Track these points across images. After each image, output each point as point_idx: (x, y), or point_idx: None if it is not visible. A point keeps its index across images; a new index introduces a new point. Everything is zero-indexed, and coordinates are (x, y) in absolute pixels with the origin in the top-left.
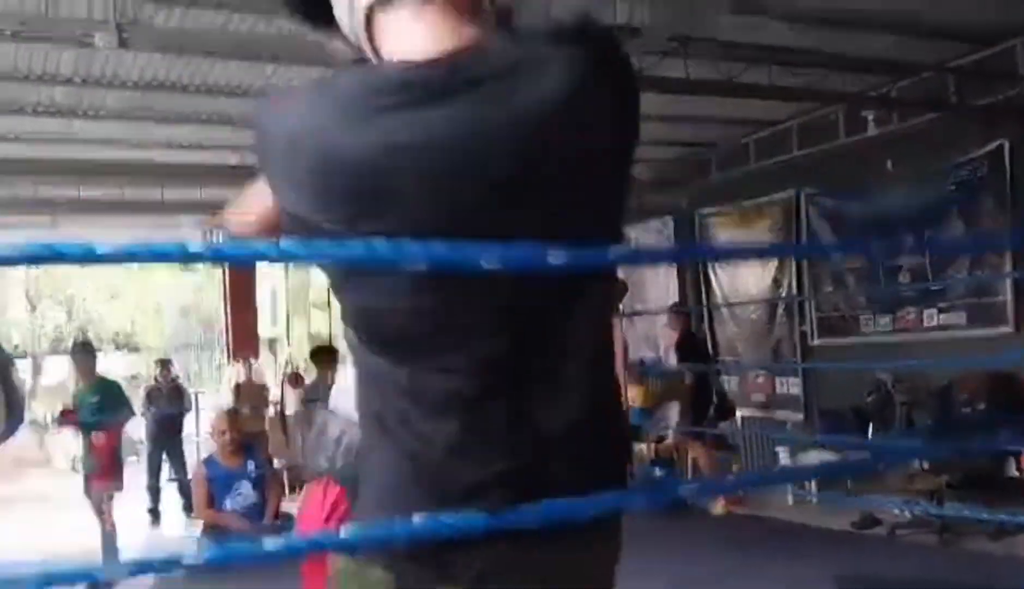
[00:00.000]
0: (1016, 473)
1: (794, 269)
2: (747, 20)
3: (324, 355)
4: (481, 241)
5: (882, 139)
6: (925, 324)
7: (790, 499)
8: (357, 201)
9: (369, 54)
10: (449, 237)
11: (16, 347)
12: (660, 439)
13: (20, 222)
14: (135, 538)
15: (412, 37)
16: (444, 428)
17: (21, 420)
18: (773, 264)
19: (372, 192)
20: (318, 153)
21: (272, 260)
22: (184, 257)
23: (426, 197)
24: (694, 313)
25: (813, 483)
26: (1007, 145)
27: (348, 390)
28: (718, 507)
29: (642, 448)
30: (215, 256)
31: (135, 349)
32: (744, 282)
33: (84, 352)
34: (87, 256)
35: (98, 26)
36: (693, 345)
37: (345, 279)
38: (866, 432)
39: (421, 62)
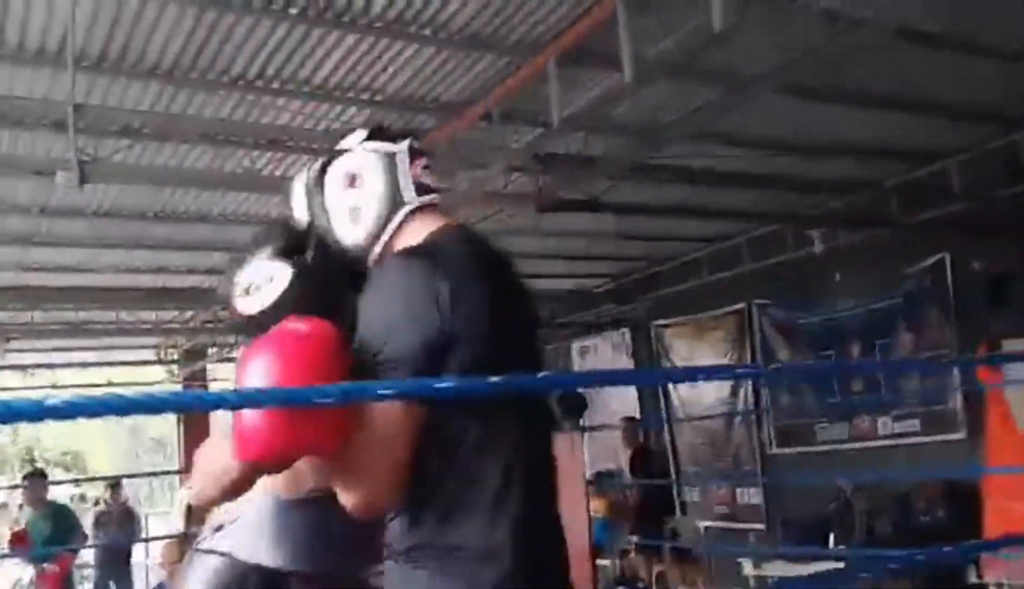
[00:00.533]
0: (976, 579)
1: (750, 381)
2: (702, 147)
3: None
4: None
5: (829, 253)
6: (880, 432)
7: None
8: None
9: (372, 245)
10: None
11: None
12: (624, 553)
13: None
14: None
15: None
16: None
17: None
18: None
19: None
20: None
21: (228, 407)
22: (144, 407)
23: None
24: (654, 423)
25: None
26: (948, 257)
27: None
28: None
29: (606, 564)
30: (177, 404)
31: (81, 471)
32: (702, 391)
33: (36, 480)
34: (42, 412)
35: (59, 164)
36: (646, 459)
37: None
38: (827, 543)
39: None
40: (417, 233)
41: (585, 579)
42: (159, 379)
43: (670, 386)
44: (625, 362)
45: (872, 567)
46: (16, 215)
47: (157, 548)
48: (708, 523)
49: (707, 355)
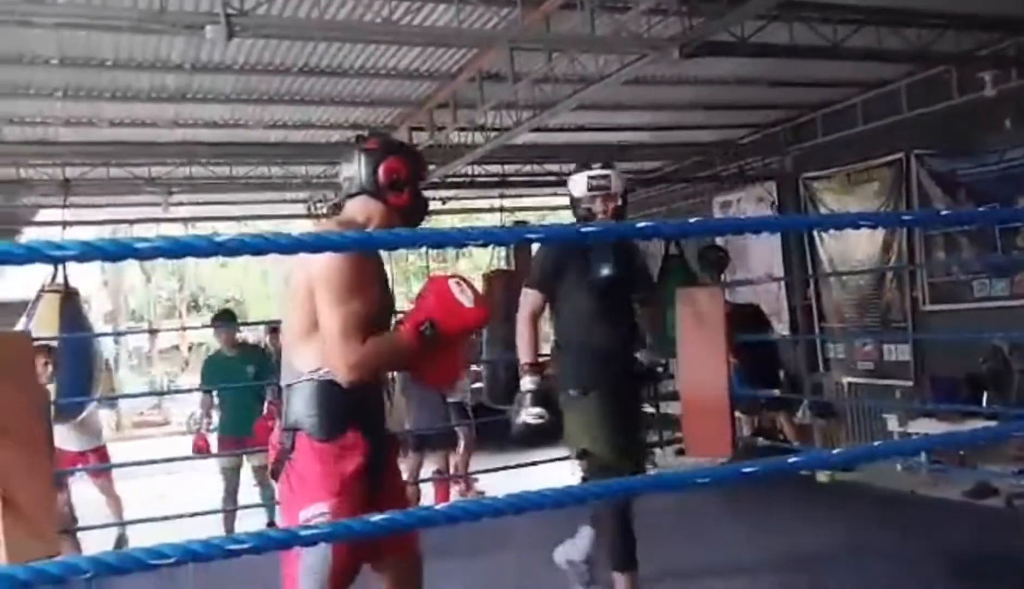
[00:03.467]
0: None
1: (905, 234)
2: None
3: None
4: None
5: (1000, 97)
6: None
7: (899, 467)
8: None
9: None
10: None
11: (133, 313)
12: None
13: (136, 201)
14: None
15: None
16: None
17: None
18: (883, 228)
19: None
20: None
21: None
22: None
23: None
24: (799, 279)
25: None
26: None
27: None
28: (824, 474)
29: (740, 418)
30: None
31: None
32: (852, 247)
33: (227, 321)
34: (211, 249)
35: (208, 19)
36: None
37: None
38: (980, 400)
39: None
40: None
41: (724, 431)
42: None
43: (817, 241)
44: None
45: None
46: (170, 72)
47: None
48: (852, 379)
49: (858, 209)
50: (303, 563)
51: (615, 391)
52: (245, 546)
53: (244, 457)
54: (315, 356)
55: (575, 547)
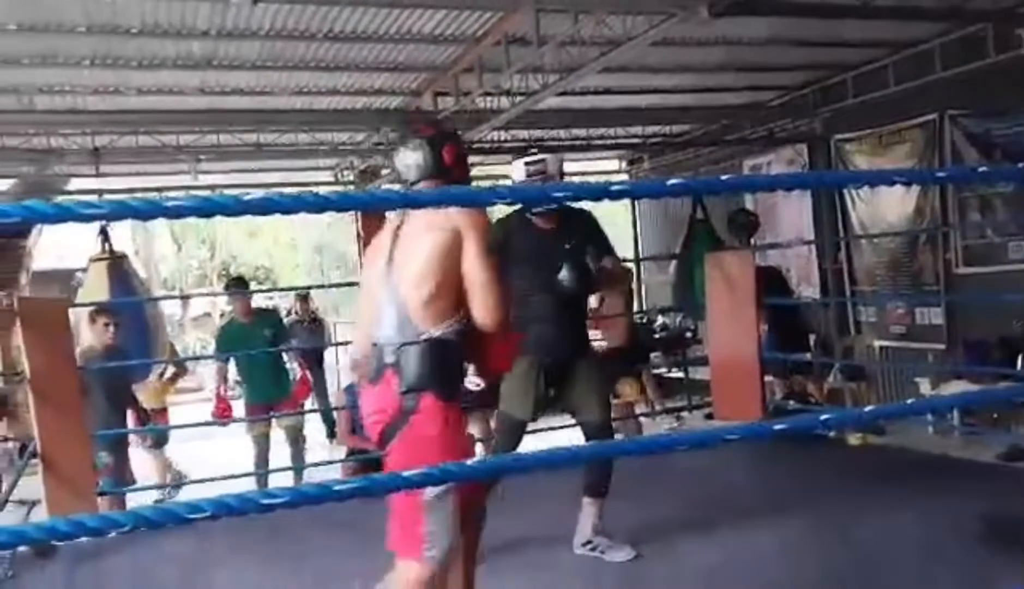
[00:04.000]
0: None
1: (938, 195)
2: None
3: None
4: None
5: None
6: None
7: (931, 430)
8: None
9: None
10: None
11: (164, 281)
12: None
13: (165, 170)
14: None
15: None
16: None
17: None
18: (916, 190)
19: None
20: None
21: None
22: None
23: None
24: (830, 242)
25: (956, 414)
26: None
27: None
28: (855, 437)
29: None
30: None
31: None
32: (884, 209)
33: (240, 289)
34: (239, 208)
35: None
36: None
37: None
38: (1014, 363)
39: None
40: None
41: (754, 394)
42: None
43: (849, 204)
44: None
45: None
46: (196, 39)
47: (344, 352)
48: (884, 343)
49: None
50: (428, 506)
51: (547, 359)
52: (278, 500)
53: (273, 420)
54: (440, 315)
55: (586, 524)
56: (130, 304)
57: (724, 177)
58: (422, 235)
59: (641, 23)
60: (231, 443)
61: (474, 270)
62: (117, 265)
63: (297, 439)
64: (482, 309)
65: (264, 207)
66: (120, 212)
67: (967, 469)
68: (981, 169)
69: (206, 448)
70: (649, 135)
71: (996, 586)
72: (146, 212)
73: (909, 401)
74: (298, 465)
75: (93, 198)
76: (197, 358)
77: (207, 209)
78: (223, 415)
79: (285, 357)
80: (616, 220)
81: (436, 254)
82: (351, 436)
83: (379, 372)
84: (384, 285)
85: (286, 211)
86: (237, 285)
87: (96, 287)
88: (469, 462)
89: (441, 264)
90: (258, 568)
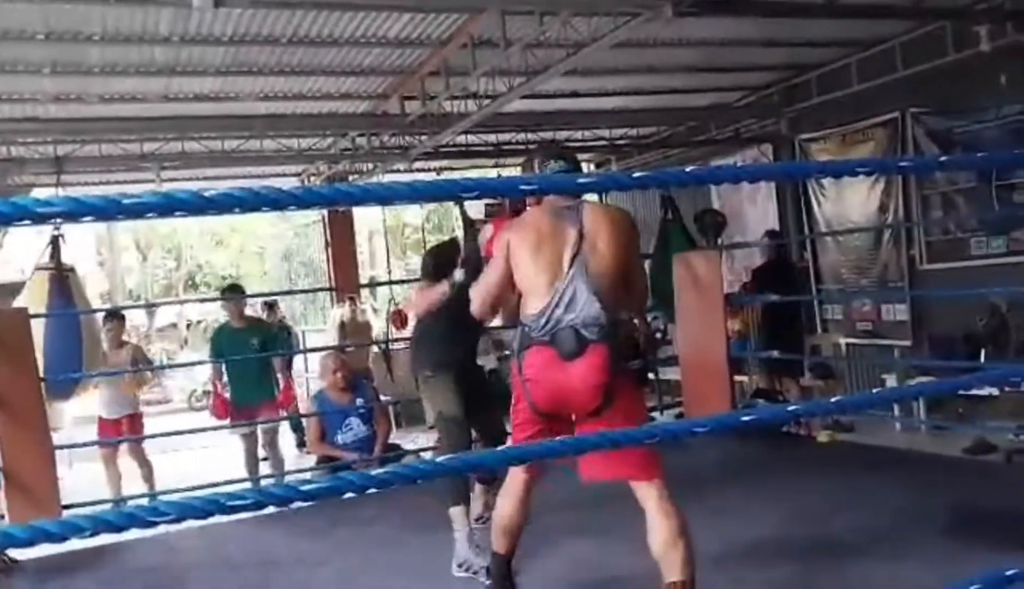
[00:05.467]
0: None
1: (901, 192)
2: None
3: None
4: None
5: (995, 53)
6: None
7: (898, 426)
8: None
9: None
10: None
11: (130, 293)
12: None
13: (129, 178)
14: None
15: None
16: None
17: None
18: (879, 187)
19: None
20: None
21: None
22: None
23: None
24: (795, 241)
25: (922, 410)
26: None
27: None
28: (824, 434)
29: (743, 381)
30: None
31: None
32: (848, 208)
33: (236, 295)
34: (201, 204)
35: None
36: (776, 274)
37: None
38: (978, 357)
39: None
40: None
41: (723, 393)
42: None
43: (814, 202)
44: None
45: None
46: (158, 45)
47: (313, 360)
48: (850, 340)
49: None
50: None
51: (460, 371)
52: (243, 502)
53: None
54: (621, 301)
55: (460, 545)
56: (64, 319)
57: (689, 168)
58: (606, 228)
59: (607, 24)
60: (209, 454)
61: (636, 269)
62: (63, 278)
63: (273, 441)
64: (640, 298)
65: (225, 203)
66: (78, 210)
67: (934, 463)
68: (942, 159)
69: (183, 458)
70: (616, 138)
71: (963, 576)
72: (104, 210)
73: (875, 390)
74: (275, 467)
75: (50, 193)
76: (164, 367)
77: (168, 207)
78: (222, 413)
79: (276, 363)
80: None
81: (626, 247)
82: (320, 443)
83: (580, 347)
84: (577, 271)
85: (249, 207)
86: (232, 292)
87: (35, 297)
88: None
89: (627, 257)
90: (234, 577)
